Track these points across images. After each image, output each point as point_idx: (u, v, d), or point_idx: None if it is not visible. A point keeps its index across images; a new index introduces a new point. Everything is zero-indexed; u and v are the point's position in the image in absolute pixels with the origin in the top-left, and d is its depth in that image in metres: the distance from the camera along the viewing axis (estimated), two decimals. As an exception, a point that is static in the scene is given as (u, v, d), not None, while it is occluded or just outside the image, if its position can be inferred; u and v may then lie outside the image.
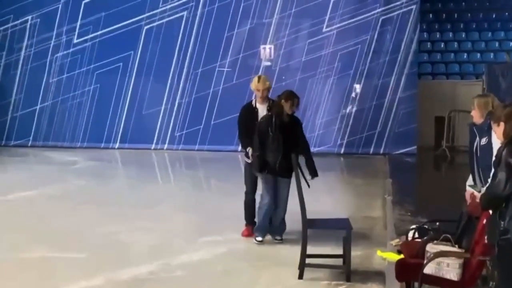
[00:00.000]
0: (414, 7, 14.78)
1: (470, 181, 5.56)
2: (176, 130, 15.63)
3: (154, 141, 15.68)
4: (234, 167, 11.80)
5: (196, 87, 15.43)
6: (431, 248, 4.79)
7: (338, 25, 14.89)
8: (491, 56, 17.09)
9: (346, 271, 5.99)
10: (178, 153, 15.33)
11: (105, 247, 7.13)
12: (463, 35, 18.05)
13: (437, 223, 5.88)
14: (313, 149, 7.58)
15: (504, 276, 4.00)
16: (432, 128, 15.22)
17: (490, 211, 4.12)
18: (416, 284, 4.81)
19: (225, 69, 15.31)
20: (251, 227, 7.57)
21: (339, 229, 6.37)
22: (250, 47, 15.24)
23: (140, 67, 15.61)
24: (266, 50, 15.25)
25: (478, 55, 17.32)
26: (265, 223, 7.14)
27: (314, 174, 7.11)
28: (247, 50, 15.24)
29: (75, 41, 15.90)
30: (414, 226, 6.24)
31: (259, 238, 7.17)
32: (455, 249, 4.78)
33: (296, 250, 6.22)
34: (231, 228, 7.67)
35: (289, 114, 7.00)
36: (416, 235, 5.68)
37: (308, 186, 6.55)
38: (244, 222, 7.58)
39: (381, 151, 14.74)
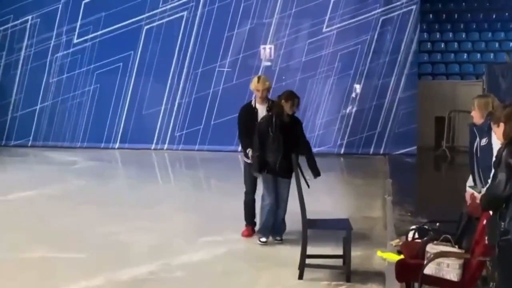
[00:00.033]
0: (414, 7, 14.78)
1: (470, 181, 5.56)
2: (176, 130, 15.63)
3: (154, 141, 15.68)
4: (234, 167, 11.79)
5: (196, 87, 15.43)
6: (431, 248, 4.79)
7: (338, 25, 14.89)
8: (491, 57, 17.09)
9: (346, 272, 5.99)
10: (178, 153, 15.33)
11: (105, 247, 7.13)
12: (463, 36, 18.05)
13: (437, 224, 5.89)
14: (313, 149, 7.56)
15: (505, 276, 4.00)
16: (432, 129, 15.22)
17: (490, 212, 4.12)
18: (416, 285, 4.81)
19: (225, 69, 15.30)
20: (251, 227, 7.57)
21: (339, 229, 6.37)
22: (250, 47, 15.24)
23: (140, 67, 15.61)
24: (266, 50, 15.25)
25: (478, 55, 17.33)
26: (268, 224, 7.12)
27: (316, 173, 7.11)
28: (247, 50, 15.24)
29: (75, 41, 15.90)
30: (414, 227, 6.24)
31: (263, 239, 7.14)
32: (455, 249, 4.78)
33: (296, 250, 6.22)
34: (231, 228, 7.67)
35: (290, 114, 7.00)
36: (416, 236, 5.68)
37: (308, 186, 6.55)
38: (244, 222, 7.58)
39: (381, 152, 14.73)
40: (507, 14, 18.23)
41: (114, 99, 15.75)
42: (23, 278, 6.14)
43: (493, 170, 4.12)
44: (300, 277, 6.01)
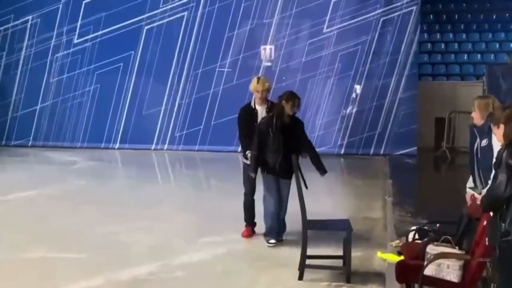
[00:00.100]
0: (414, 8, 14.77)
1: (470, 183, 5.56)
2: (176, 130, 15.62)
3: (154, 141, 15.68)
4: (234, 167, 11.76)
5: (197, 87, 15.43)
6: (432, 249, 4.79)
7: (339, 25, 14.89)
8: (492, 57, 17.08)
9: (346, 272, 5.99)
10: (178, 153, 15.33)
11: (105, 247, 7.13)
12: (464, 36, 18.04)
13: (437, 225, 5.89)
14: (313, 150, 7.54)
15: (505, 278, 4.00)
16: (432, 129, 15.21)
17: (491, 213, 4.12)
18: (416, 286, 4.81)
19: (226, 70, 15.30)
20: (251, 227, 7.57)
21: (339, 230, 6.36)
22: (251, 47, 15.24)
23: (140, 67, 15.61)
24: (267, 51, 15.25)
25: (479, 56, 17.32)
26: (274, 225, 7.09)
27: (323, 171, 7.11)
28: (248, 51, 15.23)
29: (75, 41, 15.90)
30: (414, 227, 6.23)
31: (272, 241, 7.09)
32: (456, 250, 4.78)
33: (296, 251, 6.22)
34: (231, 228, 7.67)
35: (290, 115, 6.99)
36: (416, 237, 5.68)
37: (306, 187, 6.54)
38: (244, 222, 7.58)
39: (381, 152, 14.73)
40: (507, 14, 18.23)
41: (114, 99, 15.76)
42: (23, 278, 6.14)
43: (493, 171, 4.12)
44: (300, 277, 6.01)
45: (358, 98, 14.95)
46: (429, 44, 17.83)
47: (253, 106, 7.45)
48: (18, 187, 10.56)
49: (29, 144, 16.14)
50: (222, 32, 15.19)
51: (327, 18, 14.88)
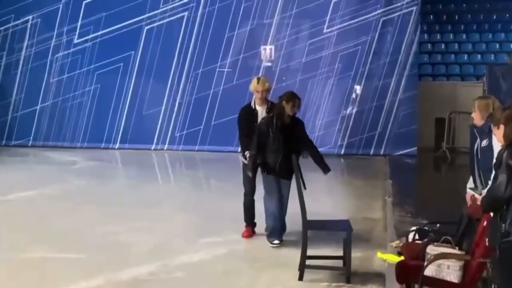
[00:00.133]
0: (414, 8, 14.77)
1: (470, 183, 5.55)
2: (176, 130, 15.62)
3: (154, 141, 15.68)
4: (234, 167, 11.72)
5: (197, 87, 15.42)
6: (432, 250, 4.79)
7: (339, 26, 14.89)
8: (492, 58, 17.08)
9: (346, 273, 5.99)
10: (178, 153, 15.33)
11: (105, 247, 7.13)
12: (464, 37, 18.04)
13: (438, 225, 5.89)
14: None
15: (505, 278, 4.00)
16: (433, 130, 15.21)
17: (491, 214, 4.12)
18: (417, 286, 4.81)
19: (226, 70, 15.30)
20: (251, 228, 7.57)
21: (339, 230, 6.36)
22: (251, 47, 15.23)
23: (140, 67, 15.61)
24: (267, 51, 15.25)
25: (479, 56, 17.31)
26: (276, 225, 7.08)
27: (326, 169, 7.11)
28: (248, 51, 15.23)
29: (75, 41, 15.89)
30: (414, 228, 6.24)
31: (276, 241, 7.07)
32: (456, 251, 4.78)
33: (296, 251, 6.22)
34: (231, 228, 7.67)
35: (290, 115, 6.99)
36: (417, 237, 5.69)
37: (305, 188, 6.53)
38: (244, 223, 7.58)
39: (382, 152, 14.72)
40: (507, 15, 18.23)
41: (115, 99, 15.75)
42: (23, 278, 6.14)
43: (493, 172, 4.12)
44: (300, 278, 6.01)
45: (358, 98, 14.95)
46: (429, 44, 17.83)
47: (253, 107, 7.45)
48: (18, 187, 10.56)
49: (29, 144, 16.14)
50: (222, 32, 15.18)
51: (327, 18, 14.88)
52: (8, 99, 16.29)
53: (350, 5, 14.82)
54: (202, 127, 15.39)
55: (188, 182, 12.01)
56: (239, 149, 7.71)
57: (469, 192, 5.29)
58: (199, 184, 12.00)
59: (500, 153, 4.00)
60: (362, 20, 14.79)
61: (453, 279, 4.59)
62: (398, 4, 14.75)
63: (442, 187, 10.91)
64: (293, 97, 6.98)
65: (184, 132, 15.57)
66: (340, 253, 6.24)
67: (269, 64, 15.15)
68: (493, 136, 4.59)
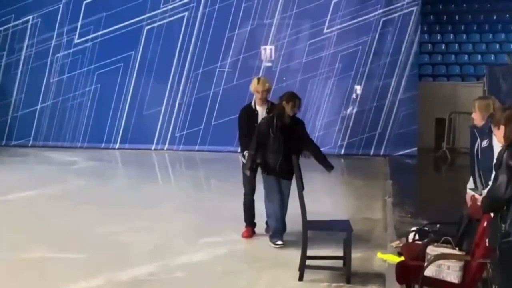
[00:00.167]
0: (415, 8, 14.77)
1: (470, 183, 5.55)
2: (176, 130, 15.62)
3: (155, 141, 15.67)
4: (234, 167, 11.68)
5: (197, 87, 15.42)
6: (432, 250, 4.79)
7: (339, 26, 14.88)
8: (492, 58, 17.08)
9: (346, 273, 5.99)
10: (178, 153, 15.33)
11: (105, 247, 7.13)
12: (464, 37, 18.04)
13: (438, 225, 5.88)
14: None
15: (505, 279, 4.00)
16: (433, 130, 15.21)
17: (491, 214, 4.12)
18: (417, 287, 4.80)
19: (226, 70, 15.30)
20: (251, 228, 7.57)
21: (339, 231, 6.36)
22: (251, 48, 15.23)
23: (140, 67, 15.61)
24: (267, 51, 15.25)
25: (479, 56, 17.31)
26: (279, 226, 7.07)
27: (330, 167, 7.11)
28: (248, 51, 15.23)
29: (76, 41, 15.89)
30: (414, 228, 6.23)
31: (280, 242, 7.05)
32: (456, 251, 4.78)
33: (296, 251, 6.22)
34: (231, 228, 7.67)
35: (291, 115, 6.99)
36: (417, 237, 5.68)
37: (303, 188, 6.51)
38: (244, 223, 7.57)
39: (382, 153, 14.72)
40: (507, 15, 18.23)
41: (115, 99, 15.75)
42: (23, 278, 6.14)
43: (494, 172, 4.12)
44: (300, 278, 6.01)
45: (358, 98, 14.95)
46: (429, 44, 17.83)
47: (254, 107, 7.45)
48: (18, 187, 10.56)
49: (29, 144, 16.14)
50: (223, 33, 15.18)
51: (328, 18, 14.88)
52: (8, 99, 16.29)
53: (350, 5, 14.82)
54: (202, 127, 15.39)
55: (188, 182, 12.01)
56: (239, 149, 7.70)
57: (469, 192, 5.29)
58: (199, 184, 12.00)
59: (500, 154, 4.00)
60: (363, 20, 14.79)
61: (453, 280, 4.59)
62: (399, 4, 14.75)
63: (442, 188, 10.90)
64: (293, 97, 6.98)
65: (184, 132, 15.57)
66: (340, 253, 6.24)
67: (269, 64, 15.15)
68: (494, 137, 4.58)
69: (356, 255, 6.41)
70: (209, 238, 7.46)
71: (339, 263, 6.19)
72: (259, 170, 7.22)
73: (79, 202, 9.56)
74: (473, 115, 5.55)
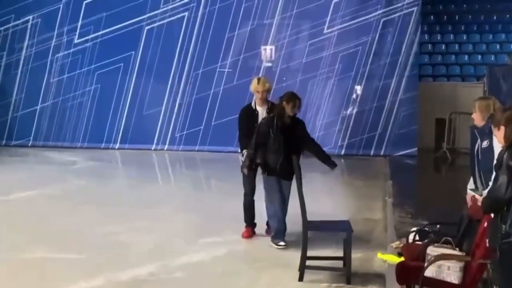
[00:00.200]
0: (415, 9, 14.77)
1: (471, 184, 5.55)
2: (176, 130, 15.62)
3: (155, 141, 15.67)
4: (234, 167, 11.68)
5: (197, 87, 15.42)
6: (432, 251, 4.79)
7: (339, 26, 14.89)
8: (492, 58, 17.08)
9: (347, 273, 5.99)
10: (178, 153, 15.32)
11: (105, 247, 7.12)
12: (464, 37, 18.03)
13: (438, 226, 5.88)
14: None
15: (505, 279, 4.00)
16: (433, 130, 15.21)
17: (492, 215, 4.11)
18: (417, 287, 4.80)
19: (226, 70, 15.30)
20: (251, 228, 7.57)
21: (339, 231, 6.35)
22: (251, 48, 15.23)
23: (141, 67, 15.60)
24: (267, 51, 15.25)
25: (479, 57, 17.31)
26: (280, 226, 7.06)
27: (333, 165, 7.11)
28: (248, 51, 15.23)
29: (76, 41, 15.89)
30: (414, 229, 6.23)
31: (282, 243, 7.04)
32: (456, 252, 4.78)
33: (297, 252, 6.22)
34: (231, 229, 7.66)
35: (291, 115, 6.98)
36: (417, 238, 5.68)
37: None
38: (244, 223, 7.57)
39: (382, 153, 14.72)
40: (508, 16, 18.23)
41: (115, 99, 15.75)
42: (23, 278, 6.14)
43: (494, 173, 4.12)
44: (300, 278, 6.00)
45: (358, 99, 14.95)
46: (429, 45, 17.83)
47: (254, 107, 7.45)
48: (18, 187, 10.56)
49: (29, 144, 16.14)
50: (223, 33, 15.18)
51: (328, 19, 14.88)
52: (8, 99, 16.29)
53: (350, 6, 14.82)
54: (202, 127, 15.39)
55: (188, 182, 12.01)
56: (239, 150, 7.70)
57: (470, 193, 5.29)
58: (199, 184, 12.00)
59: (500, 154, 4.00)
60: (363, 21, 14.79)
61: (454, 280, 4.58)
62: (399, 5, 14.75)
63: (442, 188, 10.90)
64: (293, 98, 6.98)
65: (184, 132, 15.56)
66: (340, 253, 6.24)
67: (270, 64, 15.15)
68: (494, 137, 4.58)
69: (356, 255, 6.41)
70: (209, 238, 7.46)
71: (339, 264, 6.19)
72: (259, 170, 7.22)
73: (79, 202, 9.56)
74: (473, 116, 5.55)
